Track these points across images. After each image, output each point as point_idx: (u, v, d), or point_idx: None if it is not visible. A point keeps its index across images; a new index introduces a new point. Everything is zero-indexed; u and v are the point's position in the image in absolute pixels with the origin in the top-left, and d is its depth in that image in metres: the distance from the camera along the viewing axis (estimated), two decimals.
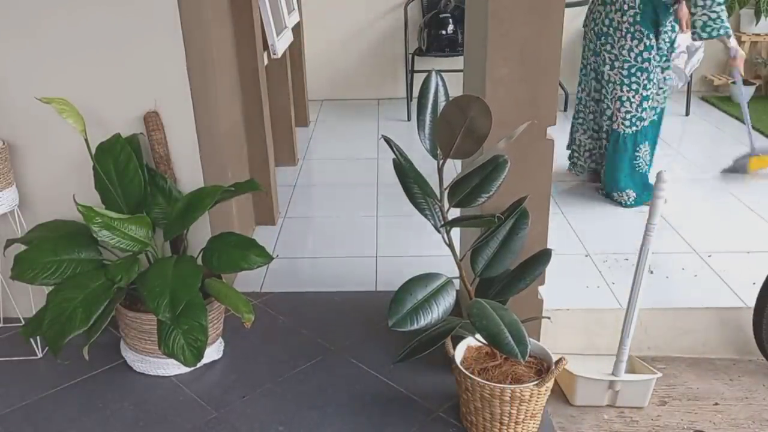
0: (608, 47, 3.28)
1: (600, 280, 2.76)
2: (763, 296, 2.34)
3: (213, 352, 2.36)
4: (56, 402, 2.21)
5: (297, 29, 4.16)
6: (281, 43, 3.24)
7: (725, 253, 2.94)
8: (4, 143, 2.32)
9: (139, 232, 2.13)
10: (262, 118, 3.16)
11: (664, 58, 3.32)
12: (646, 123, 3.38)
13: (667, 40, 3.27)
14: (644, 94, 3.29)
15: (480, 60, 2.05)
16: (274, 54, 3.16)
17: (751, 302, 2.42)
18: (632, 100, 3.31)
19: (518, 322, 1.77)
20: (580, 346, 2.50)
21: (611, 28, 3.26)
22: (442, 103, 1.92)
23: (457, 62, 4.58)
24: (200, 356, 2.06)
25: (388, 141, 1.85)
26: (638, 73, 3.26)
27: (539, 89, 2.00)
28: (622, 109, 3.33)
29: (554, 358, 1.97)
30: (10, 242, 2.29)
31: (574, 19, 5.18)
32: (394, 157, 1.88)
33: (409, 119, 4.95)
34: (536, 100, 2.01)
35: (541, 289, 2.27)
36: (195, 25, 2.30)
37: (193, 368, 2.25)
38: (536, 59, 1.96)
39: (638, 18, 3.18)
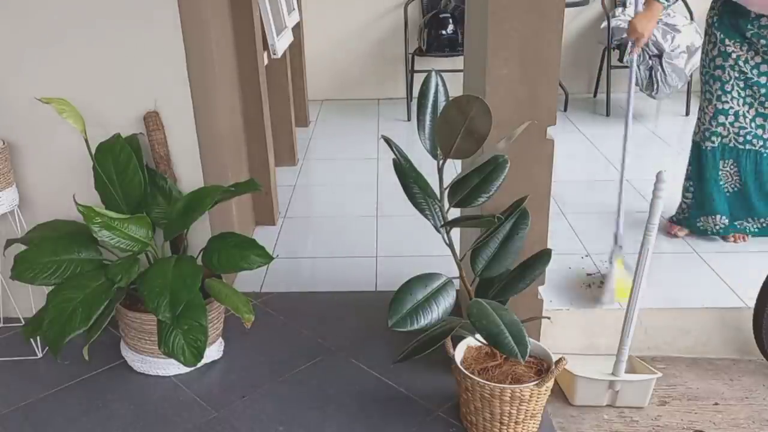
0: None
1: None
2: (763, 296, 2.34)
3: (213, 352, 2.36)
4: (56, 402, 2.21)
5: (297, 29, 4.16)
6: (281, 43, 3.24)
7: (725, 253, 2.94)
8: (4, 143, 2.32)
9: (139, 232, 2.13)
10: (262, 118, 3.16)
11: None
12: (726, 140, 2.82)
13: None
14: (718, 106, 2.78)
15: (480, 60, 2.05)
16: (274, 54, 3.16)
17: (751, 302, 2.42)
18: (705, 110, 2.84)
19: (518, 322, 1.77)
20: (580, 346, 2.50)
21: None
22: (442, 103, 1.92)
23: (457, 62, 4.57)
24: (200, 356, 2.06)
25: (388, 141, 1.85)
26: (711, 81, 2.81)
27: (539, 89, 2.00)
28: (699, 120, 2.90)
29: (554, 358, 1.98)
30: (10, 242, 2.29)
31: (574, 19, 5.20)
32: (394, 157, 1.88)
33: (409, 119, 4.95)
34: (536, 100, 2.01)
35: (541, 289, 2.27)
36: (195, 25, 2.30)
37: (193, 368, 2.25)
38: (536, 59, 1.96)
39: (715, 19, 2.75)
